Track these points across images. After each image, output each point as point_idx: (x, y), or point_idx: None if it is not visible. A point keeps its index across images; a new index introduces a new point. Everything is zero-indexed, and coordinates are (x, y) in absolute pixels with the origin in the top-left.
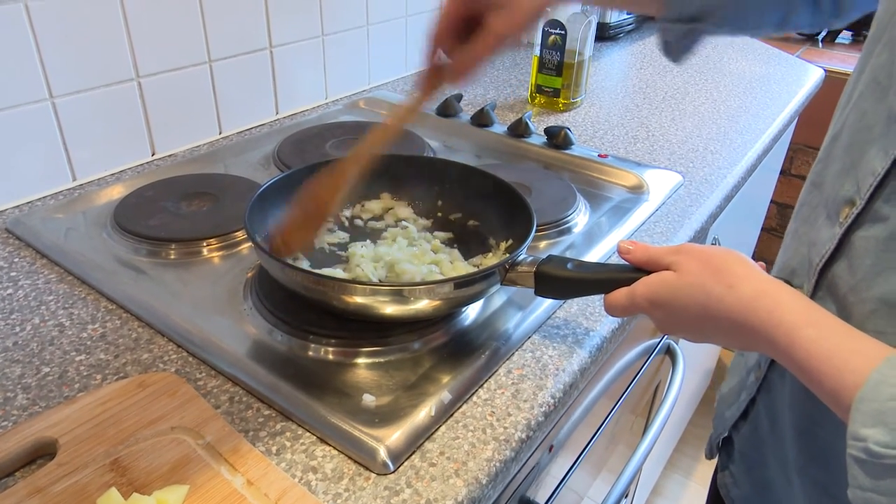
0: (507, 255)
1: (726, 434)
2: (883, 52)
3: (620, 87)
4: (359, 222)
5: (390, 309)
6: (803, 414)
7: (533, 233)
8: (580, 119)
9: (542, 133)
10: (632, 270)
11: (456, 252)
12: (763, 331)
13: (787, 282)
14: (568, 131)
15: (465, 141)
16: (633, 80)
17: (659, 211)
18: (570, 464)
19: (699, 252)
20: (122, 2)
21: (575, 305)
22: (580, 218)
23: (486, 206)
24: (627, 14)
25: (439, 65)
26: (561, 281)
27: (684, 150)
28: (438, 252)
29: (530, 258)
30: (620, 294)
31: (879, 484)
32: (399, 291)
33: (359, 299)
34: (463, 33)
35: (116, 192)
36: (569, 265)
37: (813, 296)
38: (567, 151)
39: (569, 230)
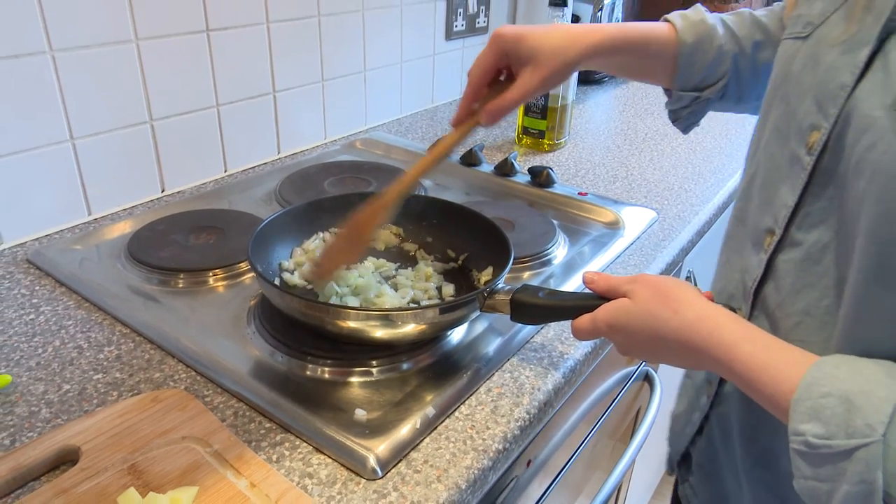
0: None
1: (685, 450)
2: (780, 105)
3: (603, 128)
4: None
5: (380, 332)
6: (747, 422)
7: (510, 264)
8: (564, 159)
9: (527, 172)
10: (595, 298)
11: (442, 279)
12: (706, 349)
13: (727, 306)
14: (550, 171)
15: (455, 179)
16: (615, 122)
17: (633, 245)
18: (549, 483)
19: (651, 281)
20: (139, 51)
21: (551, 331)
22: (560, 251)
23: (470, 240)
24: None
25: (474, 109)
26: (533, 307)
27: (660, 188)
28: (430, 279)
29: (507, 287)
30: (585, 319)
31: (819, 472)
32: (387, 316)
33: (351, 323)
34: (496, 81)
35: (129, 226)
36: (541, 294)
37: (750, 315)
38: (550, 189)
39: (549, 262)
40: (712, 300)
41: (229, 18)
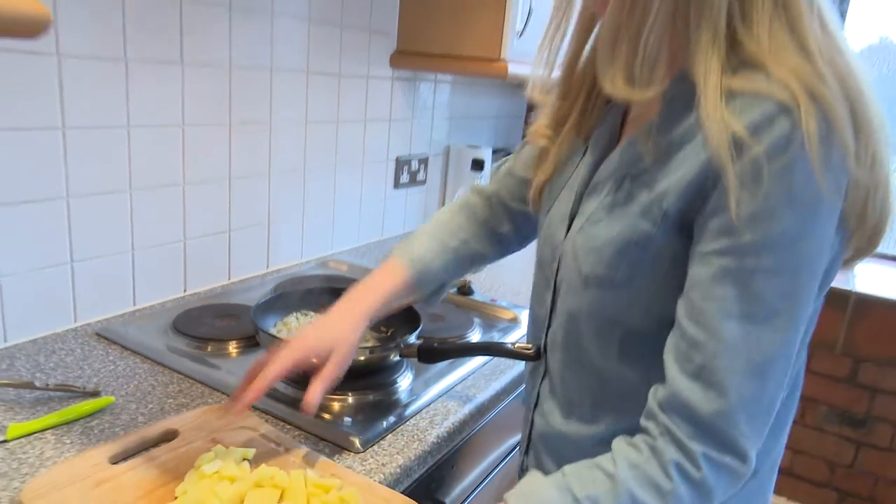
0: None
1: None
2: (540, 250)
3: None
4: None
5: None
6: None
7: (418, 329)
8: (482, 276)
9: (454, 286)
10: (481, 344)
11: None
12: None
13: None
14: (470, 284)
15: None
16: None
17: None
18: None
19: None
20: (184, 192)
21: (469, 381)
22: (475, 335)
23: (396, 320)
24: None
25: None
26: (431, 350)
27: None
28: (368, 342)
29: (416, 342)
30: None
31: None
32: None
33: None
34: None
35: (163, 314)
36: (435, 344)
37: (546, 366)
38: (470, 297)
39: (468, 341)
40: None
41: (247, 171)
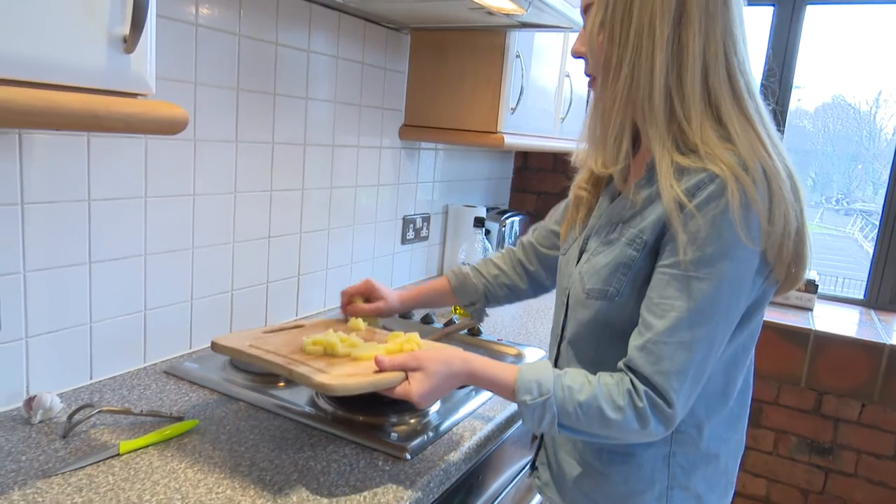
0: None
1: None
2: (560, 281)
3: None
4: None
5: None
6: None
7: None
8: (489, 321)
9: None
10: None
11: None
12: (468, 371)
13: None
14: (479, 327)
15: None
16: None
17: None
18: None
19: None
20: (233, 252)
21: (488, 405)
22: None
23: None
24: None
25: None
26: None
27: (549, 337)
28: None
29: None
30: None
31: (533, 415)
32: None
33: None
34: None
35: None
36: None
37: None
38: (479, 337)
39: None
40: None
41: (283, 230)
